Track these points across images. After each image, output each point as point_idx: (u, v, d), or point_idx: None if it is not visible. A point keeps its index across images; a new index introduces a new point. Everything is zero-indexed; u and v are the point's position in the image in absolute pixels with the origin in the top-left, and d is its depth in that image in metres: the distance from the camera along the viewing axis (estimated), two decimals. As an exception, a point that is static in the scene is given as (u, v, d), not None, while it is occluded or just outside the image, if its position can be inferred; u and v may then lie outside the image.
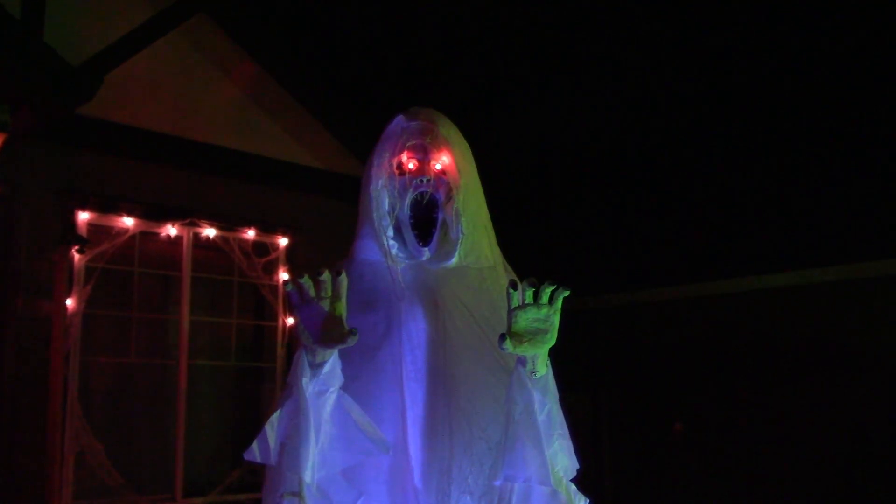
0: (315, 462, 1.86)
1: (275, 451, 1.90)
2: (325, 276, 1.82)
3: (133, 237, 6.00)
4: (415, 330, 2.08)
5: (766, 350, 6.96)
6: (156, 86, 6.20)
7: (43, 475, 5.24)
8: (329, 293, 1.82)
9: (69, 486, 5.47)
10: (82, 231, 5.76)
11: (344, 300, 1.83)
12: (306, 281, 1.83)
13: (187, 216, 6.16)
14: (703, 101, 8.31)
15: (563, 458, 1.96)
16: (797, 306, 6.92)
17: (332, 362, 1.88)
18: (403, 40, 7.94)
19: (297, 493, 1.82)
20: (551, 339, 1.87)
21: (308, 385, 1.87)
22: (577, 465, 2.00)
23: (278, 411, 1.93)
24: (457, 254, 2.16)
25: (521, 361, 1.91)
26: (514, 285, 1.86)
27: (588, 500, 2.06)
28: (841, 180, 7.37)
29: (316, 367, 1.87)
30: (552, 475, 1.88)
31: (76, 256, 5.69)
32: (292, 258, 6.65)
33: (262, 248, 6.54)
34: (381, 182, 2.15)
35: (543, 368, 1.93)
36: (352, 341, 1.78)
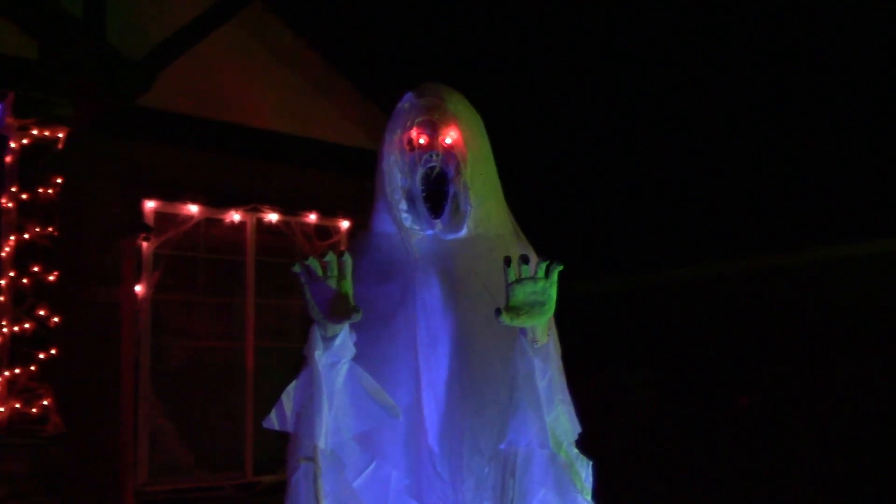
0: (328, 429, 1.95)
1: (291, 419, 2.00)
2: (330, 256, 1.91)
3: (198, 224, 6.18)
4: (429, 298, 2.15)
5: (831, 321, 6.75)
6: (216, 75, 6.33)
7: (117, 455, 5.46)
8: (335, 273, 1.91)
9: (144, 465, 5.70)
10: (149, 219, 5.96)
11: (349, 279, 1.92)
12: (312, 262, 1.91)
13: (250, 202, 6.30)
14: (738, 67, 8.07)
15: (563, 423, 2.01)
16: (863, 277, 6.68)
17: (342, 336, 1.96)
18: (459, 23, 7.95)
19: (312, 458, 1.91)
20: (549, 311, 1.94)
21: (321, 357, 1.96)
22: (578, 429, 2.06)
23: (294, 382, 2.03)
24: (466, 225, 2.22)
25: (523, 331, 1.97)
26: (507, 261, 1.91)
27: (591, 463, 2.09)
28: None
29: (328, 340, 1.96)
30: (551, 438, 1.94)
31: (144, 244, 5.88)
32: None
33: (323, 232, 6.65)
34: (392, 158, 2.24)
35: (544, 338, 1.99)
36: (356, 317, 1.87)
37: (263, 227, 6.42)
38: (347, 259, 1.92)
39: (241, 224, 6.35)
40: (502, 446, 1.97)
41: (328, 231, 6.67)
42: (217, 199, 6.22)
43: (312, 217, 6.56)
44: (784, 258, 7.17)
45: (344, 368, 1.99)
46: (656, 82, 8.51)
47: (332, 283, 1.90)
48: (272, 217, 6.39)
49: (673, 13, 8.22)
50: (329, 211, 6.65)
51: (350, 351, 1.99)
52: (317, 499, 1.88)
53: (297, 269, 1.94)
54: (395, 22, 7.55)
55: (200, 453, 5.91)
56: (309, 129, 6.70)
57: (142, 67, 5.23)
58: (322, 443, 1.93)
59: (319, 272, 1.91)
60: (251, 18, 6.42)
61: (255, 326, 6.27)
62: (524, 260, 1.90)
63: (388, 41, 7.49)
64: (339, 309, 1.89)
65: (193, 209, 6.13)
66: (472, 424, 2.03)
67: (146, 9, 5.89)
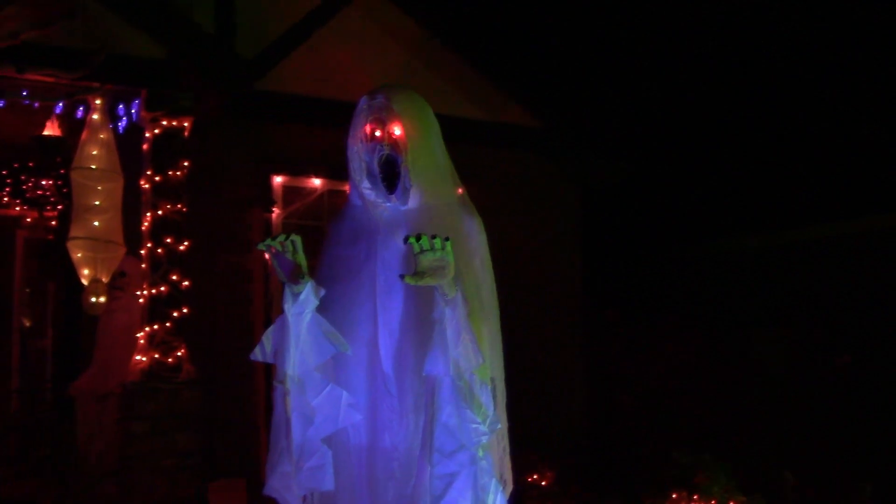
0: (295, 361, 2.56)
1: (270, 354, 2.62)
2: (281, 237, 2.50)
3: (321, 195, 6.86)
4: (388, 256, 2.71)
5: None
6: (332, 58, 6.92)
7: (251, 398, 6.27)
8: (290, 249, 2.50)
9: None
10: (278, 192, 6.70)
11: (301, 252, 2.51)
12: (272, 242, 2.51)
13: (368, 174, 6.86)
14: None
15: (467, 356, 2.49)
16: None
17: (305, 293, 2.53)
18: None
19: (283, 382, 2.54)
20: (450, 272, 2.44)
21: (290, 308, 2.54)
22: (481, 360, 2.52)
23: (272, 326, 2.63)
24: (414, 197, 2.77)
25: (437, 288, 2.48)
26: (405, 240, 2.43)
27: (489, 387, 2.57)
28: None
29: (295, 295, 2.53)
30: (453, 368, 2.46)
31: (273, 214, 6.63)
32: (468, 206, 7.13)
33: (437, 199, 7.10)
34: (355, 147, 2.82)
35: (452, 292, 2.48)
36: (305, 280, 2.50)
37: (381, 196, 6.96)
38: (296, 239, 2.50)
39: (361, 194, 6.93)
40: (423, 374, 2.51)
41: (442, 197, 7.12)
42: (338, 173, 6.83)
43: (426, 185, 7.02)
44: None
45: (308, 316, 2.57)
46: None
47: (289, 256, 2.50)
48: (388, 187, 6.92)
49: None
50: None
51: (312, 303, 2.55)
52: (286, 411, 2.53)
53: (261, 246, 2.53)
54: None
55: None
56: (421, 102, 7.15)
57: (258, 64, 5.90)
58: (290, 371, 2.54)
59: (279, 248, 2.50)
60: (363, 2, 6.95)
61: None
62: (417, 237, 2.40)
63: (491, 10, 7.77)
64: (295, 275, 2.51)
65: (317, 182, 6.82)
66: (415, 354, 2.58)
67: (262, 6, 6.54)
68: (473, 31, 7.25)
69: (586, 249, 7.87)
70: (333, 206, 6.92)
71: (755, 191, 8.00)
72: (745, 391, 7.43)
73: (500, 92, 7.30)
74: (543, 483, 5.91)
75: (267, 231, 6.59)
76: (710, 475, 5.73)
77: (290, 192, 6.79)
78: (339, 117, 6.89)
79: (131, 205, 5.69)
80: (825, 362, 7.24)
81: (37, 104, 5.61)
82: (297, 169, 6.78)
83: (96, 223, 5.46)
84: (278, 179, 6.73)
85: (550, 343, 7.75)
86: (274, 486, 2.55)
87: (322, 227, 6.89)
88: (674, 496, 5.68)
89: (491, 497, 2.49)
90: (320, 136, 6.84)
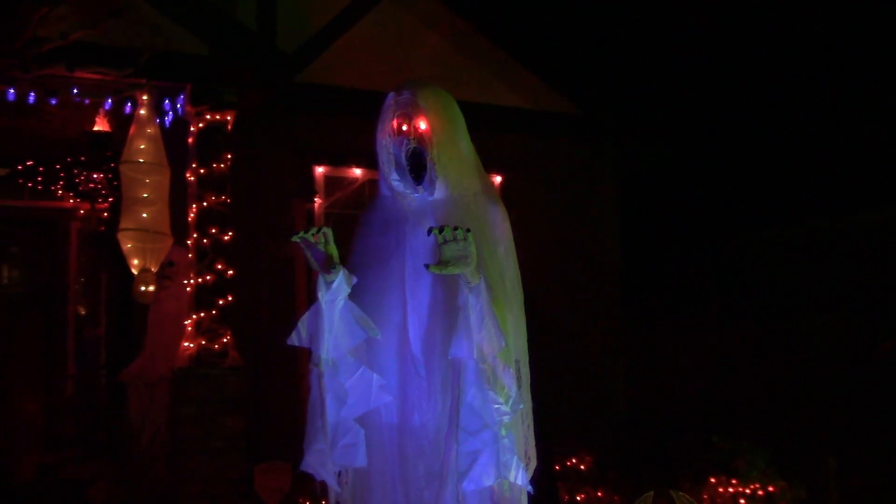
0: (329, 345, 2.68)
1: (305, 339, 2.75)
2: (313, 230, 2.64)
3: (362, 185, 7.00)
4: (416, 244, 2.83)
5: None
6: (371, 50, 7.05)
7: (294, 385, 6.43)
8: (322, 241, 2.64)
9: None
10: (320, 182, 6.86)
11: (332, 244, 2.64)
12: (305, 235, 2.64)
13: (408, 163, 6.97)
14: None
15: (490, 340, 2.59)
16: None
17: (338, 281, 2.66)
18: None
19: (318, 365, 2.66)
20: (473, 261, 2.54)
21: (323, 296, 2.67)
22: (503, 344, 2.61)
23: (307, 312, 2.75)
24: (440, 188, 2.89)
25: (460, 276, 2.58)
26: (429, 231, 2.54)
27: (511, 369, 2.66)
28: None
29: (328, 284, 2.66)
30: (477, 352, 2.56)
31: (316, 204, 6.79)
32: (507, 195, 7.22)
33: (476, 187, 7.18)
34: (384, 142, 2.95)
35: (475, 280, 2.58)
36: (337, 269, 2.62)
37: (422, 186, 7.07)
38: (328, 231, 2.64)
39: (401, 183, 7.05)
40: (449, 357, 2.61)
41: (481, 186, 7.20)
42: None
43: (466, 174, 7.11)
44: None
45: (340, 303, 2.69)
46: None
47: (322, 248, 2.63)
48: (429, 176, 7.02)
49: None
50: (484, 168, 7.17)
51: (344, 291, 2.67)
52: (321, 392, 2.66)
53: (295, 238, 2.66)
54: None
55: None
56: (459, 92, 7.19)
57: (299, 57, 6.04)
58: (325, 354, 2.67)
59: (311, 240, 2.63)
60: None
61: (415, 275, 6.98)
62: (440, 229, 2.51)
63: (534, 2, 7.80)
64: (327, 264, 2.64)
65: (357, 172, 6.95)
66: (442, 337, 2.69)
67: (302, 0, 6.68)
68: (511, 19, 7.30)
69: (625, 236, 7.89)
70: (374, 195, 7.04)
71: (800, 178, 7.92)
72: (788, 378, 7.40)
73: (539, 80, 7.34)
74: (582, 467, 5.96)
75: (309, 221, 6.75)
76: (750, 460, 5.75)
77: (331, 182, 6.94)
78: (379, 108, 7.08)
79: (178, 197, 5.87)
80: (871, 349, 7.17)
81: (87, 101, 5.80)
82: (339, 159, 6.92)
83: (145, 215, 5.64)
84: (320, 170, 6.89)
85: (590, 330, 7.80)
86: (310, 462, 2.68)
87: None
88: (712, 481, 5.70)
89: (513, 473, 2.57)
90: (360, 127, 6.84)
